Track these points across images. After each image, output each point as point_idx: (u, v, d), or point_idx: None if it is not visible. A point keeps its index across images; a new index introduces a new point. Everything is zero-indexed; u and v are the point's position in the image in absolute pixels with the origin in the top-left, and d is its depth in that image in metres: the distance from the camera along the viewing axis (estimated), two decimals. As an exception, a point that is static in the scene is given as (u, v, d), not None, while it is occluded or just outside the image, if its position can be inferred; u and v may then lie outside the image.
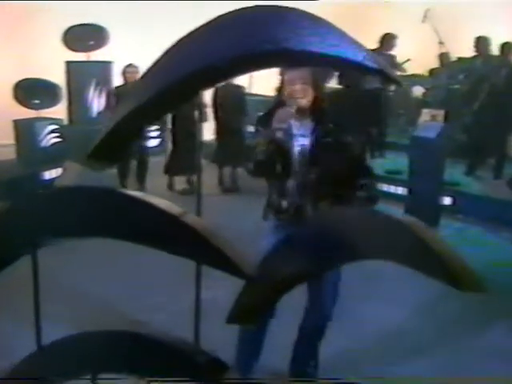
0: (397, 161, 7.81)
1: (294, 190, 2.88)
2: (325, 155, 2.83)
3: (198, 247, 1.01)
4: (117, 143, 1.01)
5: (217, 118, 7.77)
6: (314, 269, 0.92)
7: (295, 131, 2.89)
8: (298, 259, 0.95)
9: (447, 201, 6.80)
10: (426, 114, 7.52)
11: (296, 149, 2.87)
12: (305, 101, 2.83)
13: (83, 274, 4.72)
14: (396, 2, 10.58)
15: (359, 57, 0.77)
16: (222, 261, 0.96)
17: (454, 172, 7.20)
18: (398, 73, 8.86)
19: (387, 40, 8.42)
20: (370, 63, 0.76)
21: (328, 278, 2.89)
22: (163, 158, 7.93)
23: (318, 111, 2.88)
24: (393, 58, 8.48)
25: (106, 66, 8.40)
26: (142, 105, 0.95)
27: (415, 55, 9.22)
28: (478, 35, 8.28)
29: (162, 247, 1.02)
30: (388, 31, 8.46)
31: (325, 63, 0.80)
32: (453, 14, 9.76)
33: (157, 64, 0.98)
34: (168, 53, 0.96)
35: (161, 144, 9.34)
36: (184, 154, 7.37)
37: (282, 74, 2.90)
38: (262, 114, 3.04)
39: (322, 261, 0.90)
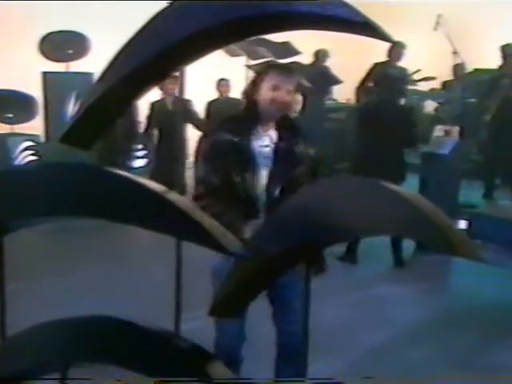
0: (407, 181, 7.90)
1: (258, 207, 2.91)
2: (288, 166, 2.88)
3: (180, 224, 1.08)
4: (90, 127, 1.07)
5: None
6: (304, 248, 0.98)
7: (260, 141, 2.92)
8: (285, 236, 1.01)
9: (463, 224, 6.85)
10: (439, 131, 7.63)
11: (262, 161, 2.89)
12: (283, 112, 2.88)
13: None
14: (405, 9, 10.76)
15: (344, 13, 0.84)
16: (204, 237, 1.03)
17: (470, 193, 7.26)
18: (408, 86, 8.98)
19: (393, 50, 8.57)
20: (355, 17, 0.83)
21: (291, 290, 2.91)
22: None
23: (286, 121, 2.92)
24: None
25: (87, 77, 8.23)
26: (118, 82, 1.00)
27: (426, 66, 9.35)
28: (504, 43, 8.34)
29: (144, 224, 1.08)
30: (396, 40, 8.61)
31: (309, 23, 0.88)
32: (468, 21, 9.91)
33: (141, 33, 1.04)
34: (153, 21, 1.02)
35: (147, 165, 9.41)
36: (168, 171, 7.43)
37: (260, 75, 2.92)
38: (226, 118, 3.07)
39: (312, 238, 0.96)
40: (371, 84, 8.78)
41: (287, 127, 2.94)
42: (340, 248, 5.88)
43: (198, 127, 7.60)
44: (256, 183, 2.88)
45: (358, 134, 6.28)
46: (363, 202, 0.93)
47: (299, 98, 3.11)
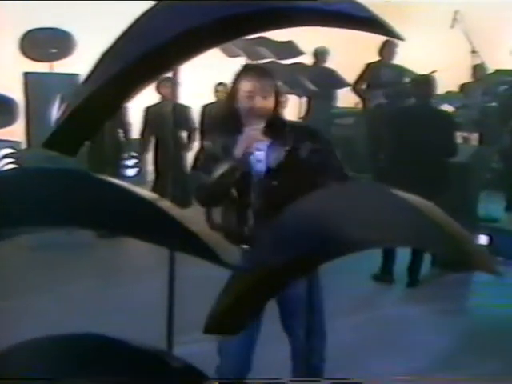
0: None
1: (252, 217, 2.99)
2: (286, 172, 2.96)
3: (174, 233, 1.09)
4: (75, 131, 1.10)
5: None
6: (308, 258, 1.00)
7: (254, 148, 2.99)
8: (288, 246, 1.03)
9: (483, 240, 6.86)
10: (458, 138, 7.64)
11: (254, 168, 2.99)
12: (266, 117, 2.96)
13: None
14: (419, 5, 10.82)
15: (347, 8, 0.86)
16: (200, 247, 1.04)
17: (491, 206, 7.27)
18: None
19: (385, 48, 8.67)
20: (359, 12, 0.85)
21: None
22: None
23: (275, 122, 3.00)
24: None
25: (72, 78, 8.27)
26: (105, 83, 1.03)
27: (442, 67, 9.38)
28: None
29: (136, 234, 1.10)
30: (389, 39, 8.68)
31: (309, 20, 0.90)
32: (489, 17, 9.94)
33: (128, 31, 1.06)
34: (142, 19, 1.05)
35: (138, 174, 9.45)
36: (169, 185, 7.46)
37: (236, 81, 3.02)
38: (207, 128, 3.23)
39: (316, 247, 0.99)
40: (364, 86, 8.93)
41: (279, 131, 3.00)
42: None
43: (189, 136, 7.66)
44: (251, 193, 2.96)
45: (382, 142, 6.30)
46: (369, 209, 0.95)
47: (283, 98, 3.21)
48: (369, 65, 8.93)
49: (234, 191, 2.99)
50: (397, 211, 0.94)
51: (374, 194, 0.97)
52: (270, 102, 2.96)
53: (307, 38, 7.24)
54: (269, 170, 2.97)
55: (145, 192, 1.21)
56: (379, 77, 8.75)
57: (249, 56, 8.70)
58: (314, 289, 3.07)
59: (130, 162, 9.39)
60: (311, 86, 8.59)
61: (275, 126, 2.99)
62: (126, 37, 1.03)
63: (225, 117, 3.10)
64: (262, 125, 2.95)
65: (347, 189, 1.04)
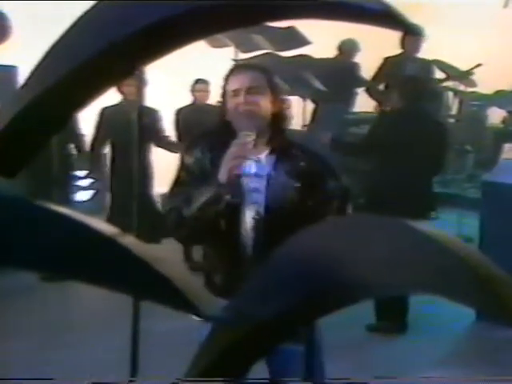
0: (461, 223, 7.92)
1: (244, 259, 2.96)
2: (292, 207, 2.97)
3: (139, 278, 1.12)
4: (14, 147, 1.13)
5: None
6: (305, 308, 1.03)
7: (246, 170, 3.01)
8: (280, 294, 1.06)
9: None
10: (508, 151, 7.68)
11: (249, 198, 3.00)
12: (257, 119, 2.99)
13: None
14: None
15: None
16: (171, 294, 1.06)
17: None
18: (462, 87, 9.09)
19: (408, 39, 8.68)
20: (372, 5, 0.90)
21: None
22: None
23: (279, 137, 3.05)
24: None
25: (8, 73, 8.33)
26: (51, 87, 1.06)
27: (490, 61, 9.44)
28: None
29: (89, 279, 1.13)
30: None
31: (316, 12, 0.94)
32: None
33: (81, 22, 1.10)
34: (98, 7, 1.09)
35: (94, 197, 9.44)
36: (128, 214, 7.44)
37: (226, 81, 3.11)
38: (191, 140, 3.20)
39: (315, 295, 1.01)
40: (381, 86, 8.92)
41: (282, 146, 3.04)
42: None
43: (160, 146, 7.66)
44: (242, 226, 2.95)
45: (373, 156, 6.39)
46: (381, 247, 0.98)
47: (283, 102, 3.21)
48: (387, 59, 8.90)
49: (222, 224, 2.98)
50: (415, 249, 0.96)
51: (387, 228, 0.99)
52: (262, 101, 3.00)
53: (314, 24, 7.26)
54: (268, 206, 2.98)
55: (101, 224, 1.24)
56: (401, 73, 8.73)
57: (239, 46, 8.70)
58: (312, 347, 3.06)
59: (84, 183, 9.40)
60: (319, 86, 8.52)
61: (276, 141, 3.01)
62: (79, 28, 1.06)
63: (215, 130, 3.13)
64: (253, 133, 2.93)
65: (354, 223, 1.06)
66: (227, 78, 3.07)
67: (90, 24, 0.98)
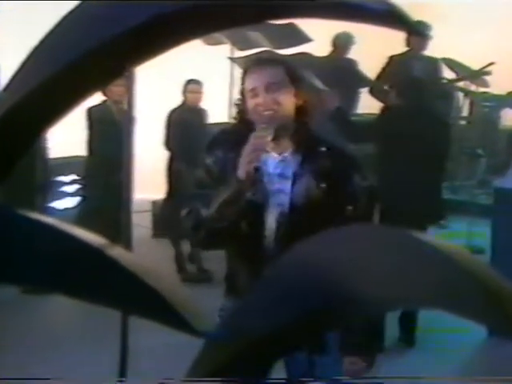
0: (471, 232, 7.92)
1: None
2: (319, 209, 2.96)
3: (128, 292, 1.12)
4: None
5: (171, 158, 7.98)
6: (306, 323, 1.04)
7: (270, 169, 3.04)
8: (279, 308, 1.06)
9: None
10: (522, 156, 7.69)
11: (273, 199, 3.00)
12: (280, 118, 2.97)
13: None
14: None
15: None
16: (161, 309, 1.07)
17: None
18: (473, 87, 9.10)
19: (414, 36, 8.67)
20: (372, 4, 0.91)
21: None
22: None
23: (304, 132, 3.04)
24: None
25: None
26: (34, 91, 1.07)
27: (503, 59, 9.44)
28: None
29: (73, 292, 1.13)
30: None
31: (315, 11, 0.95)
32: None
33: (66, 22, 1.11)
34: (84, 6, 1.10)
35: (80, 204, 9.43)
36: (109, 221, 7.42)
37: (243, 79, 3.10)
38: (211, 139, 3.18)
39: (316, 309, 1.02)
40: (386, 87, 8.89)
41: (308, 143, 3.03)
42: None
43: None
44: (265, 228, 2.94)
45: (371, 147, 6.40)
46: (387, 259, 0.99)
47: (310, 96, 3.18)
48: (392, 58, 8.89)
49: (244, 226, 2.97)
50: (419, 262, 0.97)
51: (393, 239, 1.00)
52: (282, 98, 2.98)
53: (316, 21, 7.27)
54: (293, 207, 2.98)
55: (86, 233, 1.24)
56: (408, 73, 8.71)
57: (235, 43, 8.72)
58: (325, 347, 3.04)
59: (70, 189, 9.39)
60: (320, 85, 8.53)
61: (300, 137, 3.01)
62: (63, 29, 1.06)
63: (235, 129, 3.15)
64: (271, 129, 2.92)
65: (353, 233, 1.06)
66: (244, 77, 3.06)
67: (76, 24, 0.98)
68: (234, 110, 3.10)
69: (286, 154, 2.99)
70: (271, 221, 2.96)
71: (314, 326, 1.07)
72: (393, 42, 8.68)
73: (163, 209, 8.35)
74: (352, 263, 1.03)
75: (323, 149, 3.01)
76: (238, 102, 3.12)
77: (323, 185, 2.97)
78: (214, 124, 8.35)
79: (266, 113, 2.94)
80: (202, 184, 3.13)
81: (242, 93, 3.05)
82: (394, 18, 0.89)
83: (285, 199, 2.99)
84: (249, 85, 3.00)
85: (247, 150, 2.87)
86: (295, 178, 3.00)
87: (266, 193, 2.99)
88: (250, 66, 3.10)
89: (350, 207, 2.96)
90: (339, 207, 2.94)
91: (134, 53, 1.04)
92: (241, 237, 2.97)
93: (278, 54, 2.87)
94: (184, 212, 3.04)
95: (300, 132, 2.99)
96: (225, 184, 2.93)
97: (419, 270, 1.00)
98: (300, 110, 3.02)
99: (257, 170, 2.91)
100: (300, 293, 1.07)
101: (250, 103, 2.98)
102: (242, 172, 2.85)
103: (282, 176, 2.99)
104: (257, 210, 2.94)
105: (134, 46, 0.95)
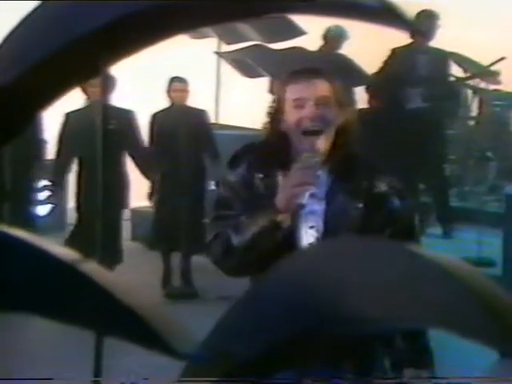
0: (482, 243, 7.92)
1: None
2: (355, 231, 2.90)
3: (103, 309, 1.12)
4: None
5: (157, 163, 7.94)
6: (295, 344, 1.05)
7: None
8: (266, 328, 1.07)
9: None
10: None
11: (304, 221, 2.94)
12: (325, 143, 2.91)
13: None
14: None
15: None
16: (139, 329, 1.07)
17: None
18: (483, 84, 9.10)
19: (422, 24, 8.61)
20: (369, 2, 0.92)
21: None
22: (61, 237, 7.81)
23: (342, 153, 2.97)
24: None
25: None
26: (6, 86, 1.08)
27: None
28: None
29: (43, 312, 1.14)
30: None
31: (305, 8, 0.97)
32: None
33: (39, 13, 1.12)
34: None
35: (53, 212, 9.37)
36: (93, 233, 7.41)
37: (278, 88, 3.09)
38: (235, 153, 3.09)
39: (307, 329, 1.03)
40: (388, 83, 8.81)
41: (343, 162, 2.97)
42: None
43: (133, 158, 7.66)
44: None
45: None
46: (384, 275, 1.00)
47: (349, 110, 3.11)
48: (394, 51, 8.81)
49: (275, 251, 2.84)
50: (415, 277, 0.97)
51: (391, 254, 1.00)
52: (329, 115, 2.93)
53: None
54: (328, 230, 2.92)
55: (59, 248, 1.25)
56: (412, 68, 8.62)
57: (222, 37, 8.69)
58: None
59: (43, 196, 9.35)
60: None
61: (338, 157, 2.95)
62: (32, 24, 1.08)
63: (266, 143, 3.06)
64: (319, 156, 2.87)
65: (346, 247, 1.07)
66: (286, 84, 3.00)
67: (46, 20, 0.99)
68: (265, 119, 3.03)
69: (319, 174, 2.93)
70: (305, 244, 2.92)
71: (300, 347, 1.08)
72: (390, 35, 8.65)
73: (155, 219, 8.21)
74: (342, 280, 1.04)
75: (359, 167, 2.98)
76: (271, 111, 3.06)
77: (359, 205, 2.95)
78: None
79: (312, 126, 2.87)
80: (225, 204, 3.05)
81: (280, 101, 2.99)
82: (390, 16, 0.91)
83: (318, 221, 2.94)
84: (293, 94, 2.94)
85: (291, 181, 2.82)
86: (329, 200, 2.95)
87: (298, 215, 2.90)
88: (295, 74, 3.02)
89: (388, 229, 2.94)
90: (377, 229, 2.92)
91: (111, 49, 1.05)
92: (272, 262, 2.93)
93: (323, 68, 2.83)
94: (210, 236, 2.99)
95: (338, 151, 2.93)
96: (257, 209, 2.90)
97: (413, 286, 1.00)
98: (341, 130, 2.97)
99: (301, 206, 2.83)
100: (285, 312, 1.07)
101: (292, 114, 2.92)
102: (282, 205, 2.81)
103: (314, 196, 2.89)
104: (289, 234, 2.89)
105: (105, 44, 0.97)
